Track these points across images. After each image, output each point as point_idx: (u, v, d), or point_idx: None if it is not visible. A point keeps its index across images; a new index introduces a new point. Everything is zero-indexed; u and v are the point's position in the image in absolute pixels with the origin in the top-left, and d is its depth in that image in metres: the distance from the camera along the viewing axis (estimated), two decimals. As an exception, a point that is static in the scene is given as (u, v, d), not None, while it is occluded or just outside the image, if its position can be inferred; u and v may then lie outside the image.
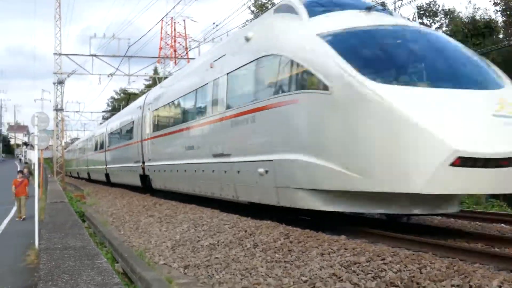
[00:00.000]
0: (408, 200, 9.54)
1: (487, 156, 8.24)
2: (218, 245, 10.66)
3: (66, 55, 42.73)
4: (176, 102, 19.26)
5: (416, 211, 9.93)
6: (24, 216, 19.31)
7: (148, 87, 77.40)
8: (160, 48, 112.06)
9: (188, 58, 56.94)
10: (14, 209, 21.37)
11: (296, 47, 10.87)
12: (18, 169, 24.57)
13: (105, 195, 29.32)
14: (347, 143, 9.20)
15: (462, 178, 8.26)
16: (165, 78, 41.41)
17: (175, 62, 69.39)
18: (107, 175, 36.22)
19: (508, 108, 8.73)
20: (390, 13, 12.30)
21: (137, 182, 25.75)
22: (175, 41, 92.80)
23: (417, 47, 10.24)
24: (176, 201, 19.94)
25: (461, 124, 8.39)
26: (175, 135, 18.62)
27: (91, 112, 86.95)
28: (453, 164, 8.17)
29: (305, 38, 10.78)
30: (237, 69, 13.58)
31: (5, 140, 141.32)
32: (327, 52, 9.86)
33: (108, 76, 44.08)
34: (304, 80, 10.25)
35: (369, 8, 11.75)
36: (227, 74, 14.14)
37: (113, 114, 64.68)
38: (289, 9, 12.35)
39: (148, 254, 11.01)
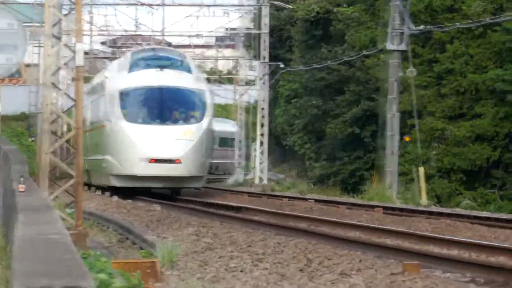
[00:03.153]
0: (157, 180, 34.22)
1: (166, 158, 33.33)
2: None
3: None
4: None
5: (159, 185, 35.35)
6: None
7: None
8: None
9: None
10: None
11: (111, 95, 35.89)
12: None
13: (238, 264, 13.39)
14: (119, 149, 34.82)
15: (155, 168, 33.31)
16: None
17: None
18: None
19: (187, 135, 33.62)
20: (180, 68, 36.53)
21: None
22: None
23: (160, 100, 35.04)
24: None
25: (157, 143, 33.39)
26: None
27: None
28: (151, 162, 33.46)
29: (116, 90, 35.29)
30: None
31: None
32: (116, 103, 34.90)
33: None
34: (108, 115, 35.94)
35: (161, 67, 35.61)
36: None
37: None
38: (126, 62, 37.49)
39: None
